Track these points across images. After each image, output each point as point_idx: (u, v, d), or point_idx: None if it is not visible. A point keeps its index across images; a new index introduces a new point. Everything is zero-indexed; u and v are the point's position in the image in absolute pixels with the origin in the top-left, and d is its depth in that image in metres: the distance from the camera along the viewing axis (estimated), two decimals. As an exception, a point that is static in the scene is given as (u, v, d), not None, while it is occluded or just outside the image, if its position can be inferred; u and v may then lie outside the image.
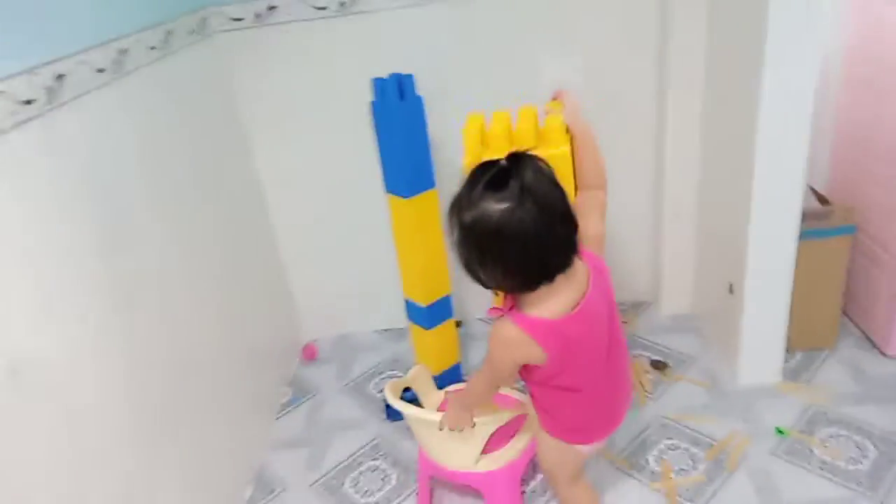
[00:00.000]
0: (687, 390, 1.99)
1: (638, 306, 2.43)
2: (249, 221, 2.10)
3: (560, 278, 1.04)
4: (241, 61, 2.01)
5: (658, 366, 2.09)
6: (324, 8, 1.95)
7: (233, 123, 2.05)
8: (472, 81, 2.01)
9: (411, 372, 1.66)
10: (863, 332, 2.10)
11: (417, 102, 1.49)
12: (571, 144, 1.27)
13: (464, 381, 1.90)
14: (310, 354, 2.39)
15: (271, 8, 1.95)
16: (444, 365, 1.84)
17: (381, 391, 2.17)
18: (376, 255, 2.28)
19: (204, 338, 1.64)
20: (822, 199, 1.98)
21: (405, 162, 1.52)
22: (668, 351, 2.17)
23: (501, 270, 1.02)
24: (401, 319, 2.44)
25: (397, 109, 1.47)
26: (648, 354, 2.16)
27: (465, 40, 1.99)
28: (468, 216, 0.99)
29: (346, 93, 2.02)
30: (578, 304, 1.08)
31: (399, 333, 2.47)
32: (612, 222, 2.21)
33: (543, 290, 1.05)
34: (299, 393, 2.23)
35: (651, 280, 2.40)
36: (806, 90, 1.58)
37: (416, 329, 1.80)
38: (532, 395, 1.29)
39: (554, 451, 1.33)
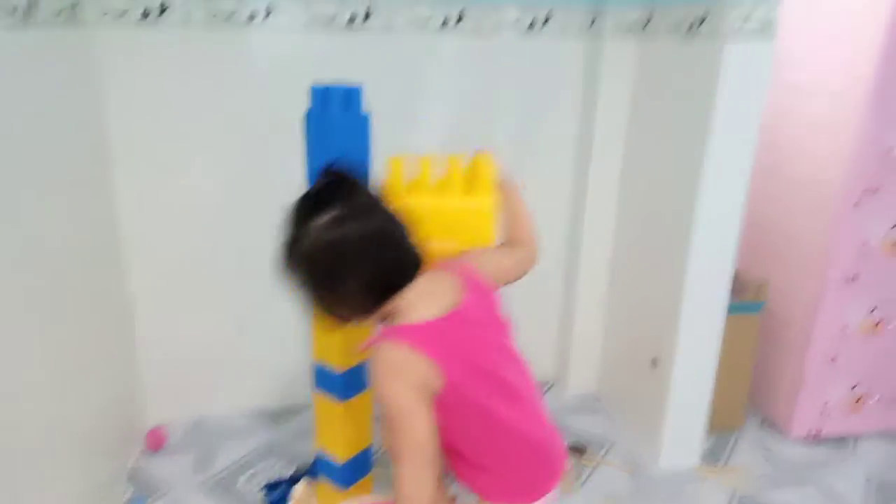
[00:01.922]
0: (609, 476, 1.83)
1: (542, 386, 2.26)
2: (90, 258, 1.62)
3: (422, 285, 1.02)
4: (117, 62, 1.63)
5: (577, 450, 1.91)
6: (230, 18, 1.66)
7: (92, 136, 1.63)
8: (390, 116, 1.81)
9: (297, 490, 1.44)
10: (765, 414, 2.10)
11: (364, 119, 1.25)
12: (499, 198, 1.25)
13: (372, 470, 1.56)
14: (156, 442, 1.88)
15: (164, 8, 1.62)
16: (355, 448, 1.49)
17: (259, 488, 1.74)
18: (250, 313, 1.93)
19: (10, 417, 1.16)
20: (734, 274, 1.98)
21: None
22: (582, 433, 2.01)
23: (356, 285, 0.98)
24: (278, 397, 2.06)
25: (340, 124, 1.21)
26: (564, 438, 1.97)
27: (384, 74, 1.80)
28: (301, 249, 0.97)
29: (241, 115, 1.73)
30: (450, 309, 1.02)
31: (274, 415, 2.05)
32: (519, 289, 2.12)
33: (409, 298, 1.00)
34: (144, 492, 1.71)
35: (557, 359, 2.27)
36: (742, 174, 1.59)
37: (324, 402, 1.45)
38: (455, 467, 1.10)
39: None
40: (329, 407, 1.45)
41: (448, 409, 1.00)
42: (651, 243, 1.84)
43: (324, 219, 0.95)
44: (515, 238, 1.27)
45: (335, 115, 1.21)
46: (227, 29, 1.67)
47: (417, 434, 0.96)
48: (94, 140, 1.65)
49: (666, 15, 1.65)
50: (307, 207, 0.97)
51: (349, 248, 0.96)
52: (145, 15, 1.61)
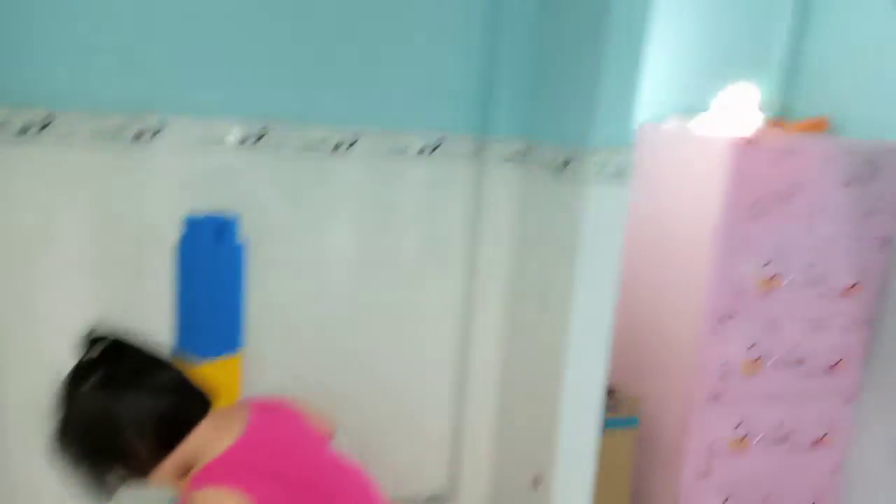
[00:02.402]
0: None
1: (434, 500, 2.21)
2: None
3: (211, 422, 1.02)
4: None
5: (462, 572, 1.85)
6: (115, 133, 1.63)
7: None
8: (281, 239, 1.83)
9: None
10: (647, 527, 2.13)
11: (237, 249, 1.25)
12: None
13: None
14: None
15: (46, 123, 1.56)
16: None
17: None
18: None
19: None
20: (610, 390, 2.06)
21: (211, 317, 1.22)
22: (469, 553, 1.96)
23: (139, 440, 0.96)
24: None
25: (211, 255, 1.20)
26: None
27: (275, 194, 1.82)
28: (75, 420, 0.95)
29: (125, 237, 1.67)
30: (243, 434, 1.03)
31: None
32: (410, 406, 2.12)
33: (202, 437, 1.00)
34: None
35: (448, 472, 2.24)
36: (608, 299, 1.69)
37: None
38: None
39: None
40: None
41: None
42: (532, 361, 1.89)
43: (91, 384, 0.94)
44: None
45: (207, 246, 1.21)
46: (112, 147, 1.63)
47: None
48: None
49: (540, 151, 1.78)
50: (74, 380, 0.96)
51: (122, 405, 0.95)
52: (24, 130, 1.56)
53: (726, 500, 2.01)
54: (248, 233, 1.66)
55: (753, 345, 1.90)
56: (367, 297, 1.98)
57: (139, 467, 0.99)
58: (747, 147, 1.76)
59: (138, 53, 1.61)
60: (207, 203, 1.59)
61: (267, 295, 1.83)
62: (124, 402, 0.95)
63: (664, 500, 2.02)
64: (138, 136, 1.64)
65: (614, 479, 1.96)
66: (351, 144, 1.84)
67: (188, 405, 1.01)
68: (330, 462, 1.10)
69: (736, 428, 1.96)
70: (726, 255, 1.81)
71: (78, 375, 0.96)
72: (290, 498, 0.99)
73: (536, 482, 1.84)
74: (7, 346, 1.66)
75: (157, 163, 1.69)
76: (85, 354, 0.97)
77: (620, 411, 1.96)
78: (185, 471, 1.00)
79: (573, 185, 1.61)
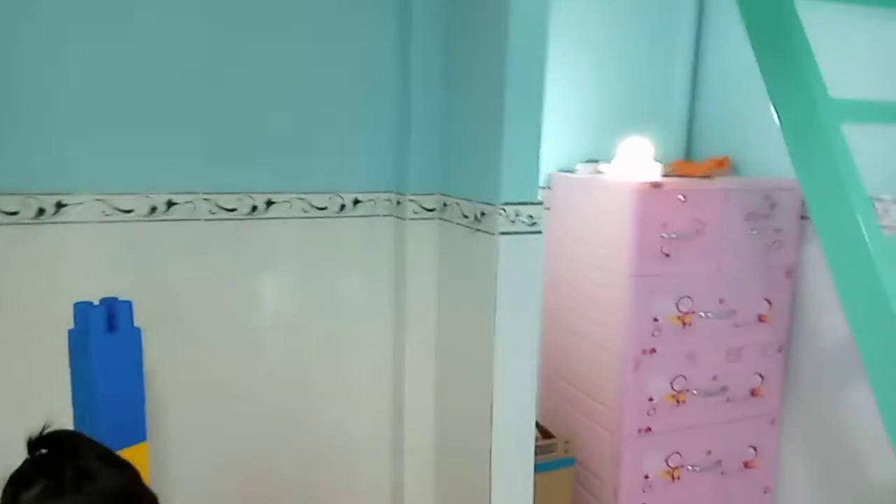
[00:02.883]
0: None
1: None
2: None
3: None
4: None
5: None
6: (13, 213, 1.60)
7: None
8: (205, 306, 1.80)
9: None
10: (592, 563, 2.14)
11: (134, 335, 1.22)
12: None
13: None
14: None
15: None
16: None
17: None
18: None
19: None
20: (545, 433, 2.08)
21: (111, 408, 1.19)
22: None
23: None
24: None
25: (102, 343, 1.18)
26: None
27: (189, 265, 1.80)
28: None
29: (31, 321, 1.62)
30: None
31: None
32: (349, 464, 2.09)
33: None
34: None
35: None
36: (530, 343, 1.71)
37: None
38: None
39: None
40: None
41: None
42: (462, 407, 1.90)
43: (33, 493, 0.89)
44: None
45: (98, 334, 1.18)
46: (11, 227, 1.59)
47: None
48: None
49: (455, 206, 1.82)
50: (15, 487, 0.91)
51: None
52: None
53: (666, 530, 2.05)
54: (162, 308, 1.63)
55: (676, 377, 1.96)
56: (297, 354, 1.97)
57: None
58: (651, 190, 1.83)
59: (33, 130, 1.59)
60: (116, 279, 1.56)
61: (189, 370, 1.80)
62: None
63: (606, 538, 2.05)
64: (39, 215, 1.61)
65: (556, 520, 1.98)
66: (267, 206, 1.84)
67: None
68: None
69: (667, 459, 2.00)
70: (641, 295, 1.87)
71: (20, 481, 0.91)
72: None
73: (477, 531, 1.84)
74: None
75: (60, 242, 1.65)
76: (28, 458, 0.93)
77: (556, 452, 1.98)
78: None
79: (487, 237, 1.65)
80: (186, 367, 1.79)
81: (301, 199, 1.89)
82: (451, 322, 1.95)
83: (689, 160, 2.40)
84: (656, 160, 2.20)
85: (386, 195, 1.98)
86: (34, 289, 1.64)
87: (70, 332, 1.20)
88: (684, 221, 1.87)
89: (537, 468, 1.84)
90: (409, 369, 2.04)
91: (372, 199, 1.96)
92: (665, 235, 1.85)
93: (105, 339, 1.18)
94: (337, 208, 1.94)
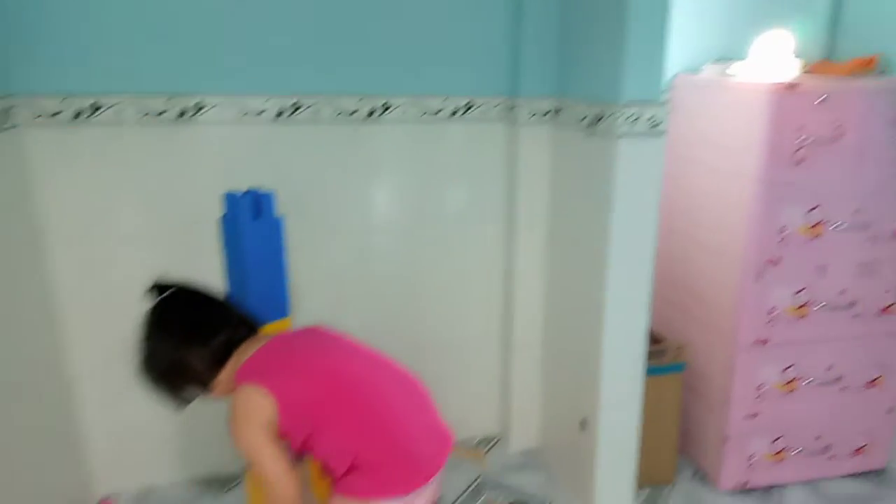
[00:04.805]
0: (544, 536, 1.90)
1: (487, 441, 2.34)
2: (29, 343, 1.70)
3: (246, 346, 1.23)
4: (51, 163, 1.72)
5: (515, 509, 1.98)
6: (161, 113, 1.75)
7: (28, 232, 1.72)
8: (325, 205, 1.92)
9: None
10: (695, 467, 2.18)
11: (275, 223, 1.34)
12: None
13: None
14: (105, 513, 1.94)
15: (96, 108, 1.71)
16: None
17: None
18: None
19: None
20: (655, 338, 2.09)
21: (256, 288, 1.33)
22: (522, 491, 2.08)
23: (198, 362, 1.20)
24: (223, 466, 2.12)
25: (251, 230, 1.30)
26: (504, 497, 2.05)
27: (321, 162, 1.91)
28: (147, 352, 1.22)
29: (178, 211, 1.81)
30: (264, 343, 1.23)
31: (222, 482, 2.11)
32: (460, 356, 2.21)
33: (242, 349, 1.22)
34: (89, 568, 1.77)
35: (500, 415, 2.35)
36: (647, 249, 1.71)
37: (251, 476, 1.52)
38: (327, 469, 1.22)
39: None
40: (254, 480, 1.52)
41: (293, 425, 1.16)
42: (573, 308, 1.95)
43: (159, 324, 1.20)
44: None
45: (246, 222, 1.31)
46: (158, 126, 1.76)
47: (267, 465, 1.15)
48: (30, 231, 1.73)
49: (571, 109, 1.78)
50: (147, 321, 1.21)
51: (184, 340, 1.19)
52: (77, 115, 1.70)
53: (776, 439, 2.04)
54: (289, 203, 1.76)
55: (800, 290, 1.89)
56: (411, 255, 2.07)
57: (200, 384, 1.22)
58: (787, 92, 1.70)
59: (176, 39, 1.71)
60: (248, 176, 1.69)
61: (312, 262, 1.94)
62: (185, 337, 1.20)
63: (712, 442, 2.07)
64: (181, 116, 1.75)
65: (662, 422, 2.02)
66: (384, 111, 1.90)
67: (235, 333, 1.23)
68: (361, 361, 1.24)
69: (784, 371, 1.97)
70: (768, 203, 1.78)
71: (149, 318, 1.21)
72: (305, 389, 1.16)
73: (584, 425, 1.92)
74: (74, 310, 1.85)
75: (199, 140, 1.80)
76: (154, 300, 1.22)
77: (666, 358, 1.99)
78: (231, 376, 1.22)
79: (605, 141, 1.62)
80: (306, 259, 1.94)
81: (415, 103, 1.93)
82: (563, 227, 1.97)
83: (831, 60, 2.20)
84: (795, 58, 2.03)
85: (499, 100, 1.97)
86: (178, 182, 1.82)
87: (221, 219, 1.34)
88: (822, 126, 1.74)
89: (647, 372, 1.88)
90: (519, 272, 2.10)
91: (484, 104, 1.97)
92: (799, 140, 1.73)
93: (252, 225, 1.31)
94: (449, 113, 1.96)
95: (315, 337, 1.27)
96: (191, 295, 1.26)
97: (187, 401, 1.25)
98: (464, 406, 2.27)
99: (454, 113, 1.95)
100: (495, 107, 1.97)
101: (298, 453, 1.22)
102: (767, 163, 1.75)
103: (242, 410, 1.15)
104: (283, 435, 1.17)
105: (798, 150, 1.74)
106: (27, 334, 1.70)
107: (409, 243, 2.05)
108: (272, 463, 1.14)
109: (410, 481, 1.19)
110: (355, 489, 1.18)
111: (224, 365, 1.22)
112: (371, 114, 1.88)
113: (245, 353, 1.21)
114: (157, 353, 1.21)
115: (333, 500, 1.22)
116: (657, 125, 1.56)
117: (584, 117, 1.71)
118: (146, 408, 1.99)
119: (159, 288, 1.24)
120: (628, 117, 1.54)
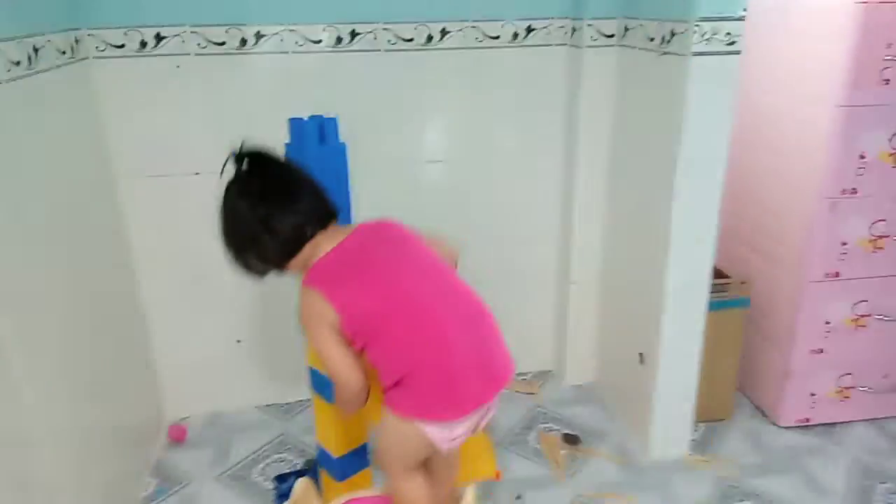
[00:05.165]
0: (600, 466, 1.92)
1: (542, 376, 2.36)
2: (105, 273, 1.77)
3: (328, 231, 1.21)
4: (118, 95, 1.75)
5: (571, 441, 2.00)
6: (222, 44, 1.75)
7: (99, 165, 1.76)
8: (381, 134, 1.91)
9: (295, 490, 1.54)
10: (754, 403, 2.15)
11: (340, 149, 1.34)
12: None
13: (369, 465, 1.68)
14: (177, 436, 2.04)
15: (160, 38, 1.72)
16: (349, 445, 1.61)
17: (270, 479, 1.88)
18: (259, 318, 2.06)
19: (36, 413, 1.30)
20: (717, 272, 2.03)
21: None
22: (577, 424, 2.10)
23: (272, 242, 1.17)
24: (287, 393, 2.20)
25: (316, 155, 1.30)
26: (559, 429, 2.07)
27: (377, 91, 1.89)
28: (227, 217, 1.20)
29: (236, 135, 1.81)
30: (335, 246, 1.20)
31: (286, 409, 2.19)
32: (514, 291, 2.20)
33: (316, 242, 1.20)
34: (166, 483, 1.87)
35: (555, 350, 2.36)
36: (717, 167, 1.64)
37: (319, 401, 1.57)
38: (380, 378, 1.23)
39: (398, 435, 1.23)
40: (323, 405, 1.57)
41: (353, 334, 1.18)
42: (635, 241, 1.91)
43: (242, 193, 1.17)
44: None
45: (311, 147, 1.30)
46: (221, 56, 1.76)
47: (336, 367, 1.19)
48: (101, 163, 1.78)
49: (639, 28, 1.70)
50: (234, 185, 1.19)
51: (263, 212, 1.16)
52: (143, 44, 1.71)
53: (841, 376, 1.99)
54: (346, 131, 1.75)
55: (876, 221, 1.80)
56: (466, 185, 2.05)
57: (273, 264, 1.22)
58: (879, 4, 1.58)
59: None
60: (306, 106, 1.67)
61: (367, 191, 1.93)
62: (266, 209, 1.16)
63: (776, 376, 2.03)
64: (242, 45, 1.75)
65: (722, 357, 1.98)
66: (442, 37, 1.85)
67: (313, 218, 1.19)
68: (427, 283, 1.20)
69: (854, 306, 1.90)
70: (848, 128, 1.68)
71: (233, 186, 1.19)
72: (367, 305, 1.16)
73: (642, 359, 1.91)
74: (145, 241, 1.92)
75: (259, 69, 1.80)
76: (237, 167, 1.19)
77: (729, 292, 1.94)
78: (304, 264, 1.22)
79: (677, 60, 1.54)
80: (363, 189, 1.93)
81: (474, 27, 1.87)
82: (626, 156, 1.91)
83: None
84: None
85: (561, 21, 1.90)
86: (240, 110, 1.83)
87: (286, 145, 1.34)
88: (916, 41, 1.62)
89: (709, 306, 1.84)
90: (577, 204, 2.05)
91: (546, 27, 1.90)
92: (889, 58, 1.62)
93: (318, 149, 1.30)
94: (510, 37, 1.90)
95: (388, 245, 1.22)
96: (278, 169, 1.22)
97: (261, 274, 1.25)
98: (519, 340, 2.25)
99: (515, 37, 1.88)
100: (558, 29, 1.89)
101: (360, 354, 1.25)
102: (850, 83, 1.64)
103: (308, 312, 1.18)
104: (345, 339, 1.21)
105: (886, 68, 1.63)
106: (105, 265, 1.76)
107: (464, 173, 2.03)
108: (338, 360, 1.18)
109: (453, 410, 1.18)
110: (398, 406, 1.20)
111: (295, 255, 1.20)
112: (429, 39, 1.84)
113: (317, 249, 1.20)
114: (233, 231, 1.21)
115: (383, 408, 1.25)
116: (733, 42, 1.47)
117: (654, 37, 1.63)
118: (214, 338, 2.08)
119: (244, 156, 1.19)
120: (703, 34, 1.46)
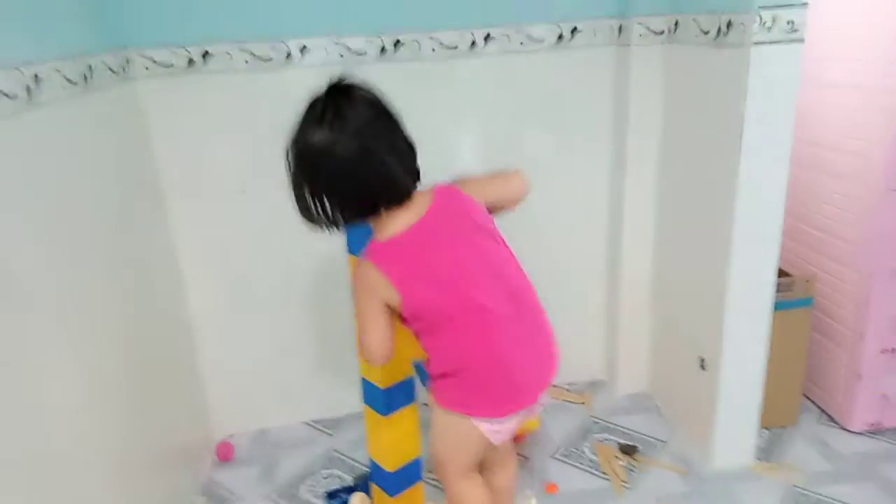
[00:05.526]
0: (662, 477, 1.84)
1: (593, 386, 2.29)
2: (154, 291, 1.76)
3: (404, 204, 1.12)
4: (166, 113, 1.75)
5: (628, 451, 1.93)
6: (269, 59, 1.74)
7: (148, 182, 1.76)
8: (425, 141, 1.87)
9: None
10: (820, 408, 2.06)
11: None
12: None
13: (421, 479, 1.64)
14: (225, 454, 2.01)
15: (206, 55, 1.71)
16: (401, 459, 1.57)
17: (319, 496, 1.83)
18: (304, 334, 2.05)
19: (89, 433, 1.28)
20: (781, 272, 1.96)
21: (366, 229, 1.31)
22: (633, 433, 2.02)
23: (330, 201, 1.09)
24: (334, 408, 2.16)
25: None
26: (615, 438, 2.00)
27: (423, 99, 1.85)
28: (293, 150, 1.08)
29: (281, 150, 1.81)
30: (412, 225, 1.12)
31: (333, 424, 2.16)
32: (563, 296, 2.15)
33: (389, 214, 1.12)
34: (215, 501, 1.84)
35: (605, 358, 2.29)
36: (780, 173, 1.57)
37: (372, 414, 1.53)
38: (429, 365, 1.22)
39: (448, 432, 1.22)
40: (376, 419, 1.53)
41: (411, 318, 1.16)
42: (692, 240, 1.84)
43: (319, 136, 1.06)
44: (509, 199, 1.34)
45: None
46: (267, 70, 1.75)
47: (369, 336, 1.17)
48: (149, 180, 1.77)
49: (691, 22, 1.65)
50: (311, 112, 1.09)
51: (326, 172, 1.06)
52: (191, 62, 1.71)
53: (914, 377, 1.90)
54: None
55: (948, 212, 1.72)
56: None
57: (352, 208, 1.12)
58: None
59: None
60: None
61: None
62: (340, 168, 1.06)
63: (845, 378, 1.94)
64: (287, 59, 1.74)
65: (787, 360, 1.90)
66: (486, 41, 1.82)
67: (391, 185, 1.10)
68: (495, 279, 1.16)
69: (925, 302, 1.81)
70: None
71: (307, 107, 1.10)
72: (427, 295, 1.12)
73: (703, 364, 1.83)
74: (192, 258, 1.90)
75: (304, 82, 1.77)
76: (326, 97, 1.09)
77: (794, 292, 1.86)
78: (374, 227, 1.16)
79: (735, 51, 1.49)
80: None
81: (519, 30, 1.84)
82: (679, 155, 1.85)
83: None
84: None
85: (608, 21, 1.86)
86: (284, 125, 1.81)
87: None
88: None
89: (774, 306, 1.76)
90: (627, 206, 2.00)
91: (592, 27, 1.86)
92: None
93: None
94: (555, 39, 1.86)
95: (463, 238, 1.15)
96: (383, 107, 1.13)
97: (322, 225, 1.15)
98: (567, 349, 2.22)
99: (560, 38, 1.85)
100: (605, 28, 1.85)
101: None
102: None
103: (363, 284, 1.15)
104: (398, 316, 1.18)
105: (956, 51, 1.56)
106: (152, 284, 1.74)
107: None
108: (374, 331, 1.16)
109: (498, 409, 1.19)
110: (445, 398, 1.20)
111: (366, 218, 1.14)
112: (473, 45, 1.81)
113: (391, 223, 1.12)
114: (302, 193, 1.11)
115: (430, 401, 1.24)
116: (796, 30, 1.42)
117: (708, 30, 1.58)
118: (260, 354, 2.06)
119: (341, 89, 1.11)
120: (764, 22, 1.40)
